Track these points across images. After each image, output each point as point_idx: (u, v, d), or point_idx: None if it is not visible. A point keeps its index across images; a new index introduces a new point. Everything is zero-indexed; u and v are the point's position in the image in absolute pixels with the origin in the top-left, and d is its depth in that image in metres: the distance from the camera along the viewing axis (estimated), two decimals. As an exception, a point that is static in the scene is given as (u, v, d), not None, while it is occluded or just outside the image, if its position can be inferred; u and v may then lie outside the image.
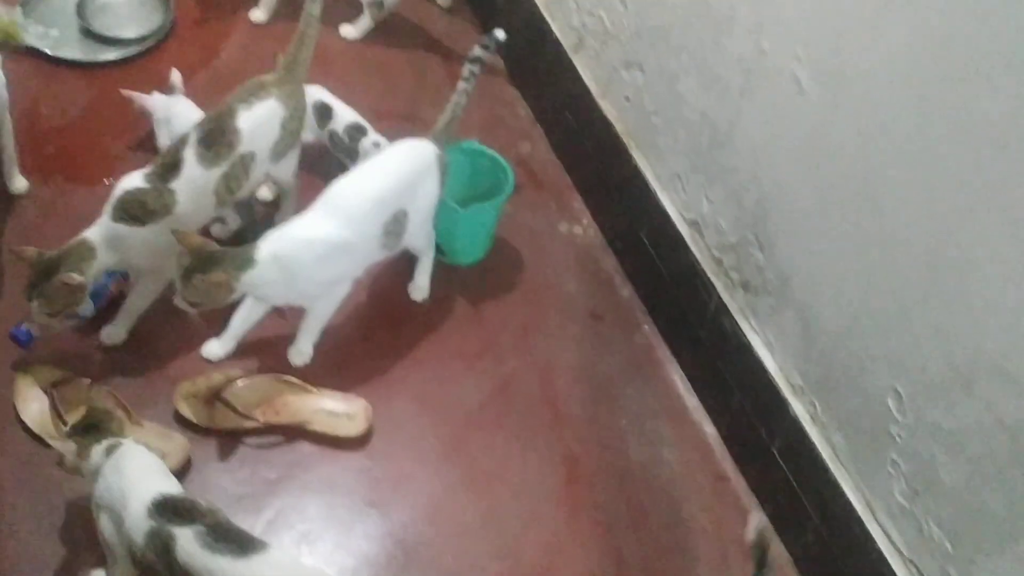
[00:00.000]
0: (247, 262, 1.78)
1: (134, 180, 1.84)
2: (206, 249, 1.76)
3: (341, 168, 2.01)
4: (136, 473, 1.55)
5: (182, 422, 1.86)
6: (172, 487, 1.55)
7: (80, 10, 2.47)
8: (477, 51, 1.99)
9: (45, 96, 2.34)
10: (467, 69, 2.00)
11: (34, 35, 2.39)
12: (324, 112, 2.18)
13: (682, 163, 1.96)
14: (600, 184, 2.25)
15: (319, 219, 1.84)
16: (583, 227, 2.29)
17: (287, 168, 2.03)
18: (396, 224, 1.90)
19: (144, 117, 2.20)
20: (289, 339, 1.96)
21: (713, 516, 1.87)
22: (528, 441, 1.94)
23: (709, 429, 1.99)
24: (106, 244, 1.80)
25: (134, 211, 1.81)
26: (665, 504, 1.88)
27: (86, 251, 1.79)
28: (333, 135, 2.19)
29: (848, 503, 1.65)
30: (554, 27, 2.31)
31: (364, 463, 1.87)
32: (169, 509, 1.50)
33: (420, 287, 2.10)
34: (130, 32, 2.46)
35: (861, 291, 1.58)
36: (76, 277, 1.75)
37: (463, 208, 2.05)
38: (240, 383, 1.90)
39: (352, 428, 1.89)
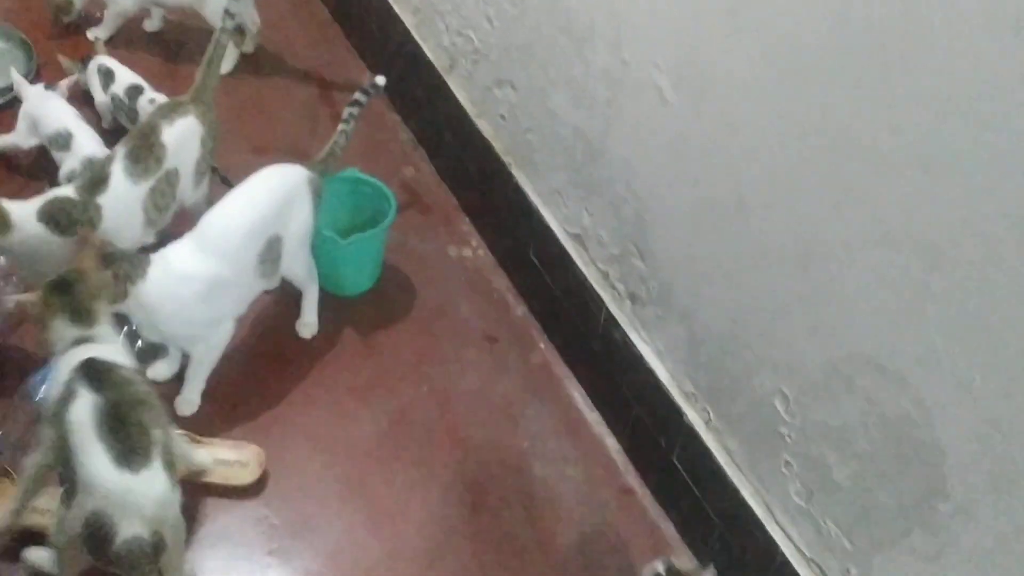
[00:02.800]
0: (142, 272, 1.72)
1: (64, 190, 1.82)
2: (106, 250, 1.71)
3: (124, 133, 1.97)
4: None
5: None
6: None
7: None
8: (358, 95, 1.99)
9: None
10: (347, 112, 1.99)
11: None
12: (108, 75, 2.24)
13: (560, 178, 1.94)
14: (485, 204, 2.23)
15: (193, 254, 1.78)
16: (472, 249, 2.26)
17: (202, 193, 2.03)
18: (271, 251, 1.86)
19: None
20: (175, 389, 1.90)
21: (621, 532, 1.86)
22: (430, 472, 1.90)
23: (611, 443, 1.97)
24: (23, 237, 1.77)
25: (59, 219, 1.78)
26: (573, 524, 1.86)
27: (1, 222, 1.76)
28: (115, 98, 2.22)
29: (748, 508, 1.65)
30: (426, 49, 2.29)
31: (262, 511, 1.82)
32: (90, 369, 1.48)
33: (308, 323, 2.05)
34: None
35: (739, 295, 1.57)
36: None
37: (347, 238, 2.01)
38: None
39: (246, 476, 1.83)
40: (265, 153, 2.29)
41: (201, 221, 1.83)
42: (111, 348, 1.58)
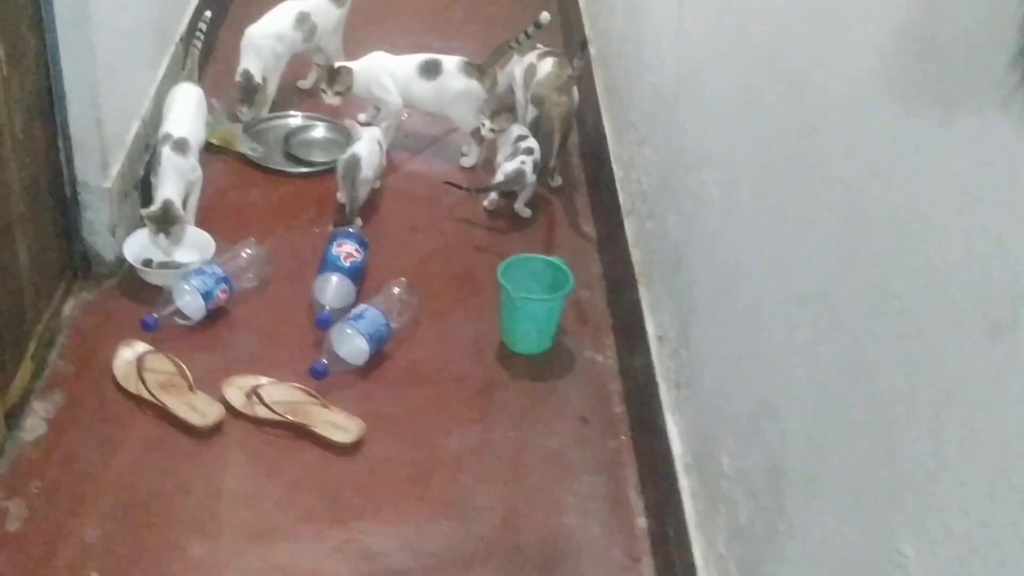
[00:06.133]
0: None
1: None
2: None
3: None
4: None
5: (223, 404, 2.37)
6: None
7: (286, 139, 3.24)
8: (529, 29, 3.13)
9: (236, 187, 3.08)
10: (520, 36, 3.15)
11: (247, 147, 3.16)
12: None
13: (660, 289, 2.33)
14: (629, 327, 2.62)
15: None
16: (604, 357, 2.65)
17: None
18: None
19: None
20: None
21: None
22: (482, 491, 2.27)
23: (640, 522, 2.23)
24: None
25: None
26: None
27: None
28: None
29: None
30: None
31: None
32: None
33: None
34: (319, 158, 3.18)
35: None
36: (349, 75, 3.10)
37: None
38: (272, 386, 2.40)
39: (345, 438, 2.31)
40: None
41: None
42: None
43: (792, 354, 1.54)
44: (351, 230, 2.77)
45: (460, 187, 3.03)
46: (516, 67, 3.23)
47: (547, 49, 3.25)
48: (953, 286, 1.10)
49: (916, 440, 1.16)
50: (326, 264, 2.67)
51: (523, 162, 2.96)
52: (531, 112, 3.13)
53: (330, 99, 3.13)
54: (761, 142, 1.72)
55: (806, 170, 1.52)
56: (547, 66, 3.11)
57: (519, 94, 3.23)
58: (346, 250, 2.68)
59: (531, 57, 3.22)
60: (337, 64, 3.14)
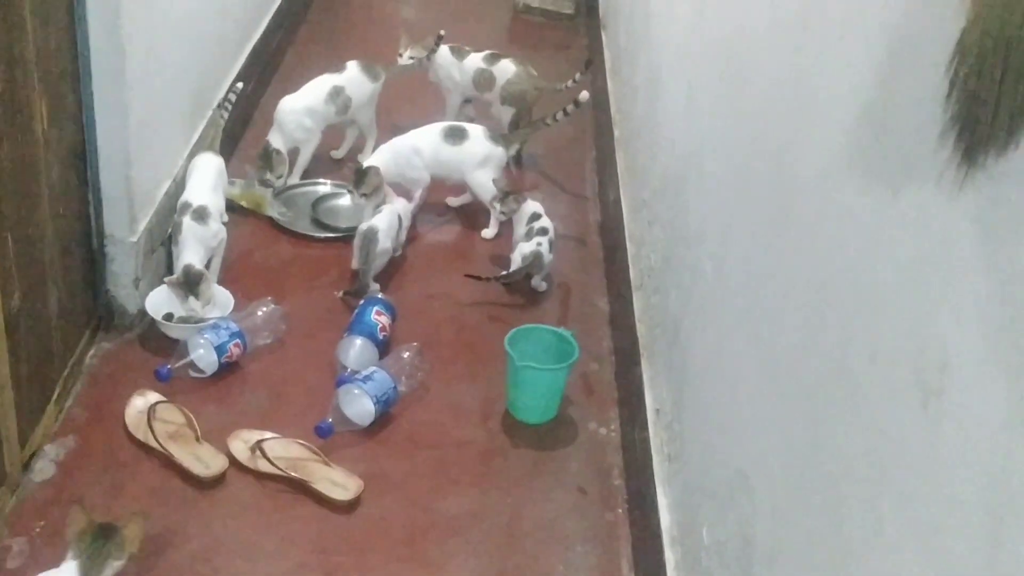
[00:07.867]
0: None
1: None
2: None
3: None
4: None
5: (228, 456, 2.42)
6: None
7: (314, 205, 3.34)
8: (568, 107, 3.32)
9: (261, 248, 3.17)
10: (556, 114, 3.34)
11: (276, 211, 3.26)
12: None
13: (659, 363, 2.36)
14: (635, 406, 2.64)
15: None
16: (609, 430, 2.67)
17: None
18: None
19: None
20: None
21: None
22: (482, 556, 2.29)
23: (632, 598, 2.24)
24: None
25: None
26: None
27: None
28: None
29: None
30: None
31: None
32: None
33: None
34: (344, 225, 3.26)
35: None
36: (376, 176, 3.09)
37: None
38: (275, 441, 2.45)
39: (343, 496, 2.35)
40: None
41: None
42: None
43: (764, 426, 1.57)
44: (385, 299, 2.85)
45: (480, 278, 3.05)
46: (453, 67, 3.65)
47: (491, 52, 3.64)
48: (894, 355, 1.13)
49: (858, 508, 1.18)
50: (358, 327, 2.73)
51: (539, 243, 3.02)
52: (507, 113, 3.57)
53: (356, 200, 3.14)
54: (748, 219, 1.77)
55: (783, 247, 1.56)
56: (510, 66, 3.56)
57: (457, 85, 3.66)
58: (383, 321, 2.76)
59: (476, 60, 3.61)
60: (366, 164, 3.16)
